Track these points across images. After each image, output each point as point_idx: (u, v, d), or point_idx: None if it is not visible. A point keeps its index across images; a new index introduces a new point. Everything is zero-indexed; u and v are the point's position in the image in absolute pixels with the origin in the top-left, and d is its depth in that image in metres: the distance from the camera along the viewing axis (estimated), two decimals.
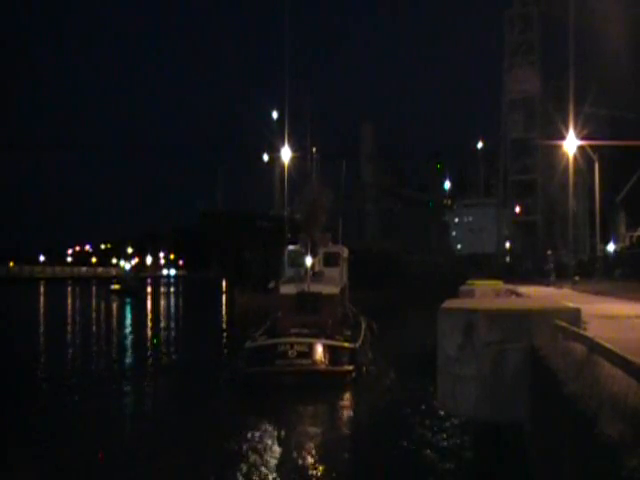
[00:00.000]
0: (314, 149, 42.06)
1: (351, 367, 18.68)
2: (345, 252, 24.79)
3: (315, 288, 21.12)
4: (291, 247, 24.93)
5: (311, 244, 22.27)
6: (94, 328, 40.55)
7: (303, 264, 22.15)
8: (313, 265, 22.34)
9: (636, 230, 58.55)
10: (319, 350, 18.47)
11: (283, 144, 50.17)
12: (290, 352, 18.23)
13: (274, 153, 59.19)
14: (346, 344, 19.33)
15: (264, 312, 23.81)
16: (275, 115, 64.01)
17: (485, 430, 11.65)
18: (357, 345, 19.82)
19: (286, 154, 49.84)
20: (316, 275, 22.43)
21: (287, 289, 21.52)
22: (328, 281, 22.36)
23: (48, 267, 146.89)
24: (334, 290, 21.73)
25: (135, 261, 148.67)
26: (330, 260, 23.95)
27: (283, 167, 52.03)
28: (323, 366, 18.37)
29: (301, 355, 18.27)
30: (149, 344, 30.90)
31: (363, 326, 22.88)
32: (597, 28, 50.45)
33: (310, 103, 60.73)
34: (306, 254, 22.10)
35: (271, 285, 54.25)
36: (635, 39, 49.75)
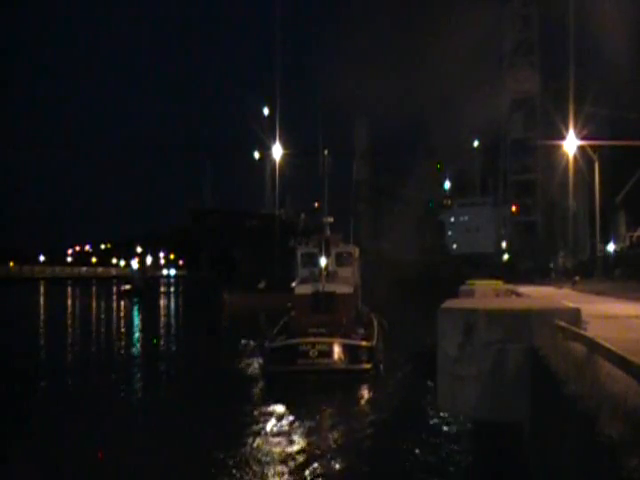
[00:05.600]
0: (326, 151, 42.08)
1: (369, 365, 19.28)
2: (356, 252, 25.09)
3: (329, 288, 21.66)
4: (302, 248, 25.02)
5: (325, 245, 22.72)
6: (107, 328, 40.56)
7: (317, 264, 22.61)
8: (326, 265, 22.76)
9: (636, 230, 58.52)
10: (339, 349, 19.14)
11: (274, 141, 49.46)
12: (311, 352, 18.94)
13: (265, 150, 58.11)
14: (364, 343, 19.88)
15: (258, 312, 23.67)
16: (266, 111, 62.61)
17: (485, 430, 11.66)
18: (373, 343, 20.26)
19: (277, 151, 49.21)
20: (330, 275, 22.84)
21: (302, 289, 22.05)
22: (342, 281, 22.77)
23: (48, 267, 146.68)
24: (348, 289, 22.22)
25: (135, 261, 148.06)
26: (342, 260, 24.29)
27: (274, 165, 51.29)
28: (343, 365, 19.05)
29: (322, 354, 18.97)
30: (154, 343, 30.95)
31: (375, 324, 23.18)
32: (597, 28, 50.42)
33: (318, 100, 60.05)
34: (319, 255, 22.56)
35: (261, 285, 53.80)
36: (635, 39, 49.74)
